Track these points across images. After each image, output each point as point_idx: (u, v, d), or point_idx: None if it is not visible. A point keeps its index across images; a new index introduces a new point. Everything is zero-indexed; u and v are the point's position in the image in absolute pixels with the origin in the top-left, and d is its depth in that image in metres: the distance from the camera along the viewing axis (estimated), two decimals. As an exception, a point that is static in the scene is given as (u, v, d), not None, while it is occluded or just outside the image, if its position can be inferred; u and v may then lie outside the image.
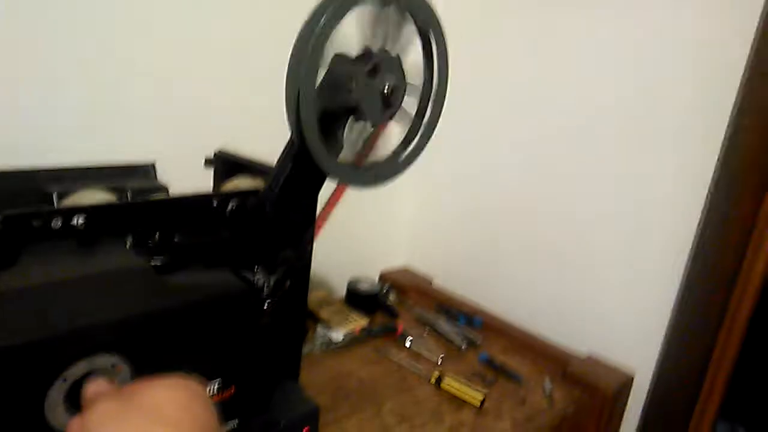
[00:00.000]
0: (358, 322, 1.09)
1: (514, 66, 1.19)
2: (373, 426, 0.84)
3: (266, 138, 0.61)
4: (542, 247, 1.18)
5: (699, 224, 0.96)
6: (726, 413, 0.98)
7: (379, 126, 0.56)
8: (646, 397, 1.05)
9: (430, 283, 1.36)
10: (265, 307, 0.55)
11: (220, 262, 0.53)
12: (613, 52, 1.04)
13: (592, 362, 1.05)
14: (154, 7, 0.87)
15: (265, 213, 0.56)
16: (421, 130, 0.58)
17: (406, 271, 1.40)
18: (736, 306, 0.93)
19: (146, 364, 0.42)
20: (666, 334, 1.01)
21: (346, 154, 0.55)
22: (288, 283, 0.58)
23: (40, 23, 0.78)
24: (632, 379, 1.04)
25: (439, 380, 0.95)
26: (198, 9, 0.92)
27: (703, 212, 0.95)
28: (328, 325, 1.06)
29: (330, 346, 1.02)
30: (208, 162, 0.70)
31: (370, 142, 0.59)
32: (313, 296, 1.15)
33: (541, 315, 1.17)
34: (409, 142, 0.58)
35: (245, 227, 0.56)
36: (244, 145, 0.72)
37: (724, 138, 0.91)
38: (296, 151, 0.53)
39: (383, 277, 1.35)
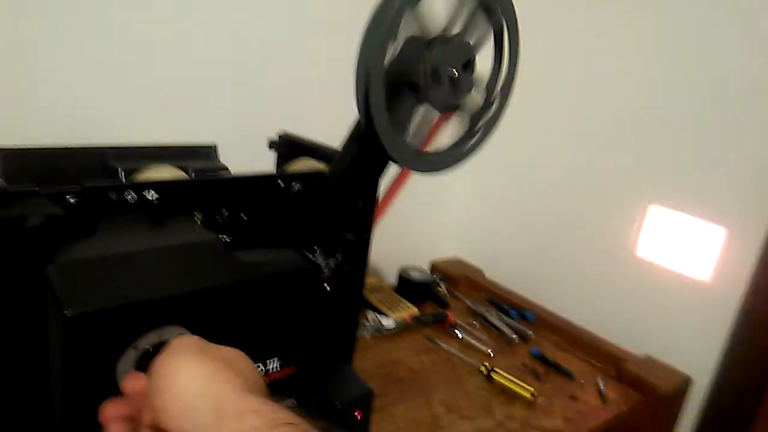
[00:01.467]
0: (409, 310, 1.09)
1: (569, 62, 1.17)
2: (421, 414, 0.84)
3: (328, 123, 0.62)
4: (598, 244, 1.15)
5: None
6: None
7: (444, 111, 0.55)
8: (704, 402, 1.02)
9: (481, 275, 1.34)
10: (324, 288, 0.56)
11: (283, 241, 0.54)
12: (666, 51, 1.01)
13: (650, 363, 1.02)
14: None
15: (328, 195, 0.56)
16: (486, 120, 0.57)
17: (457, 262, 1.39)
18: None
19: (212, 338, 0.43)
20: (728, 338, 0.98)
21: (410, 139, 0.55)
22: (346, 265, 0.58)
23: (106, 9, 0.80)
24: (690, 381, 1.01)
25: (489, 373, 0.94)
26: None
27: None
28: (379, 312, 1.06)
29: (381, 333, 1.02)
30: (272, 144, 0.71)
31: (435, 128, 0.58)
32: (365, 282, 1.16)
33: (596, 312, 1.14)
34: (473, 132, 0.57)
35: (308, 208, 0.57)
36: (303, 129, 0.72)
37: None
38: (362, 132, 0.52)
39: (434, 267, 1.35)
